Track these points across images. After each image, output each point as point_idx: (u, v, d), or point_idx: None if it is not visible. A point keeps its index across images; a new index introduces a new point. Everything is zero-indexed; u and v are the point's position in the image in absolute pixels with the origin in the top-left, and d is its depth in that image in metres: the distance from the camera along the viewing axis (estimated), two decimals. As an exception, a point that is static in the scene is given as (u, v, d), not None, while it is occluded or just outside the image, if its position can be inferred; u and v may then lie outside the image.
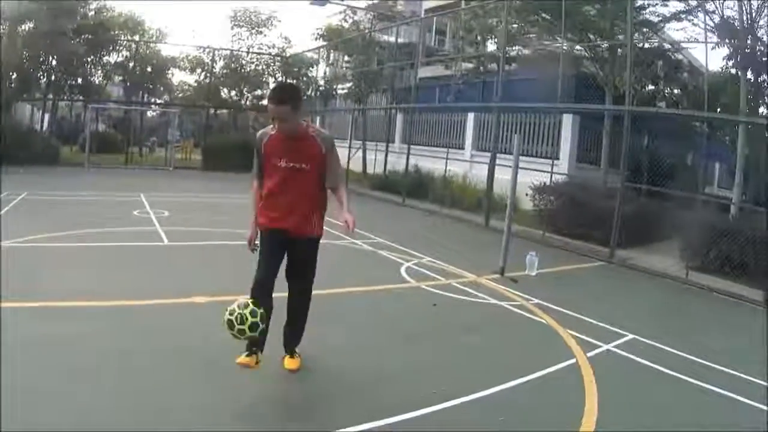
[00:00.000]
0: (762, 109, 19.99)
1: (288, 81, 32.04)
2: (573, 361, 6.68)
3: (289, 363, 5.61)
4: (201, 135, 38.46)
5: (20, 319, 6.39)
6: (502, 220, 17.12)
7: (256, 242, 5.40)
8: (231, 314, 4.82)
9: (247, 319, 4.80)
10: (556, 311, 8.81)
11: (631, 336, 7.82)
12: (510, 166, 17.14)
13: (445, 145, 25.79)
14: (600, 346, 7.29)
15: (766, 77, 19.09)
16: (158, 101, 39.21)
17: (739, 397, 6.03)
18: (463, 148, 25.29)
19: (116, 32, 34.27)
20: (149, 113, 37.60)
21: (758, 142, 18.31)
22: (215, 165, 29.41)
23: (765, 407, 5.76)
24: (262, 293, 5.19)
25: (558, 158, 20.14)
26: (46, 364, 5.31)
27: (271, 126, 5.31)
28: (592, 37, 20.32)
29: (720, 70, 19.50)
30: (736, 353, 7.56)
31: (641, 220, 15.71)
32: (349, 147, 27.68)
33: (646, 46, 19.27)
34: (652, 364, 6.83)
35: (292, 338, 5.67)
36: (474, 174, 22.60)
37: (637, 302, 10.88)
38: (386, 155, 26.57)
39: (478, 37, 23.62)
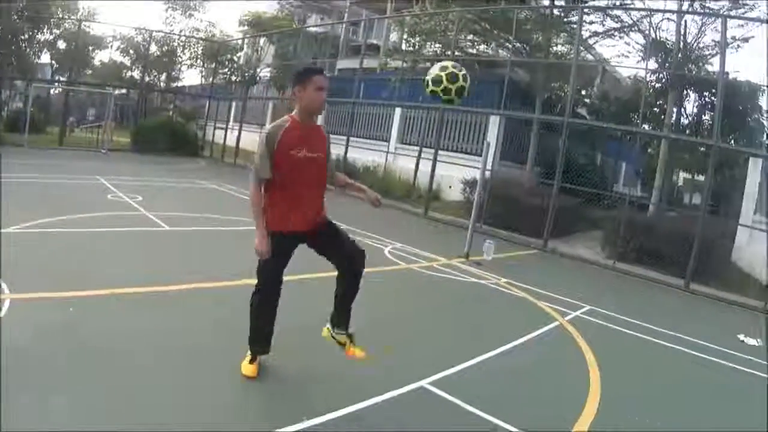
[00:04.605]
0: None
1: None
2: (557, 323, 9.32)
3: (358, 351, 5.60)
4: (126, 116, 38.71)
5: (85, 310, 6.51)
6: (435, 210, 19.83)
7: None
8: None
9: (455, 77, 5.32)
10: (524, 288, 11.44)
11: (588, 307, 10.65)
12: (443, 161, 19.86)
13: (370, 137, 28.16)
14: (570, 313, 10.02)
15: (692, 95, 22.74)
16: (92, 81, 38.52)
17: (665, 343, 9.21)
18: (387, 141, 27.25)
19: (53, 10, 34.08)
20: (71, 93, 37.50)
21: (678, 152, 21.70)
22: (145, 147, 30.09)
23: (687, 350, 9.05)
24: (272, 294, 5.47)
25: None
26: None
27: (283, 119, 5.29)
28: (525, 47, 23.28)
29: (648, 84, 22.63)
30: (662, 319, 10.72)
31: (563, 215, 18.64)
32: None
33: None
34: (612, 325, 9.80)
35: (348, 313, 5.64)
36: (399, 165, 25.13)
37: (581, 283, 13.94)
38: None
39: (423, 41, 26.05)
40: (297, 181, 5.18)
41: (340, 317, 5.60)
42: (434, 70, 5.48)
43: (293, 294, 5.91)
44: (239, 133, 32.51)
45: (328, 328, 5.65)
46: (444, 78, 5.34)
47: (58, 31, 34.88)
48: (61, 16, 34.89)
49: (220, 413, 4.78)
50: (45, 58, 36.25)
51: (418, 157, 23.69)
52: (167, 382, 5.16)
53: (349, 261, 5.45)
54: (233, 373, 5.46)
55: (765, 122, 23.00)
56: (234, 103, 36.53)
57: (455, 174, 21.69)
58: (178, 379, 5.24)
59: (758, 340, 10.19)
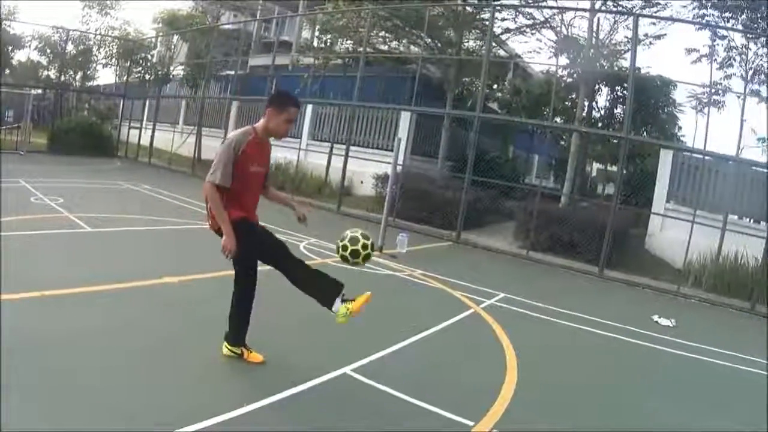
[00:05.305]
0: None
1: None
2: (472, 311, 9.44)
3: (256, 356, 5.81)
4: (42, 117, 37.60)
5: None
6: (348, 205, 19.91)
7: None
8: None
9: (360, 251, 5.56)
10: (439, 279, 11.54)
11: (503, 294, 10.84)
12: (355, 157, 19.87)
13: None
14: (485, 301, 10.17)
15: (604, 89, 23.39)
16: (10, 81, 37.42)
17: (581, 326, 9.56)
18: (298, 137, 26.63)
19: None
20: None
21: (590, 144, 22.25)
22: (62, 149, 29.21)
23: (602, 332, 9.30)
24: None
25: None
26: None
27: (247, 130, 5.50)
28: (438, 44, 23.50)
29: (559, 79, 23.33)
30: (577, 304, 11.02)
31: (475, 207, 19.05)
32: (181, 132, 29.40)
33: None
34: (526, 311, 10.05)
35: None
36: (310, 162, 24.96)
37: (495, 272, 14.29)
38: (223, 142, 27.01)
39: (335, 38, 26.12)
40: (248, 190, 5.48)
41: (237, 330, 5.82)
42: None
43: (212, 288, 5.84)
44: (153, 133, 31.95)
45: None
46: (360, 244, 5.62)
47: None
48: None
49: (157, 409, 4.67)
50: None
51: (330, 154, 23.76)
52: (103, 381, 5.02)
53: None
54: (164, 367, 5.47)
55: (677, 114, 23.95)
56: (148, 102, 35.87)
57: (367, 169, 21.74)
58: (114, 378, 5.12)
59: (672, 320, 10.49)
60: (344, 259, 5.65)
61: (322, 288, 5.60)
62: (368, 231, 6.01)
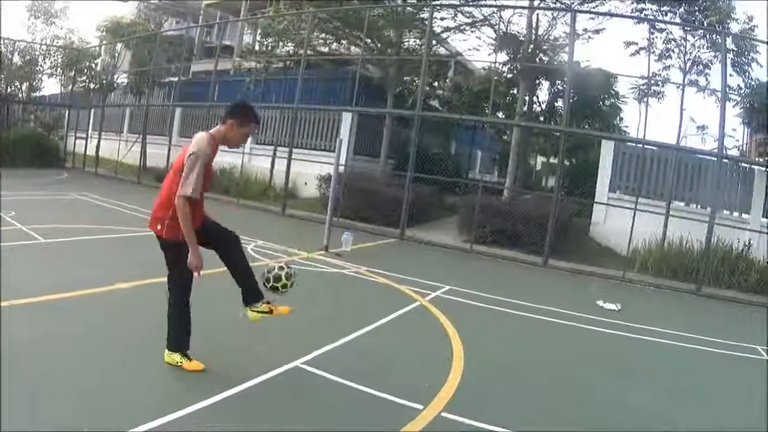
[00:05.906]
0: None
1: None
2: (417, 303, 9.52)
3: (284, 308, 5.95)
4: None
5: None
6: (293, 207, 19.86)
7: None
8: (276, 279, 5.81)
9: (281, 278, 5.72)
10: (384, 274, 11.63)
11: (448, 287, 10.96)
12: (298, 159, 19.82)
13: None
14: (430, 294, 10.27)
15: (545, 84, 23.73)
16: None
17: (525, 313, 9.78)
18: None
19: None
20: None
21: (532, 138, 22.47)
22: (11, 161, 28.20)
23: (547, 318, 9.46)
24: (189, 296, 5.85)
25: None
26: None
27: (209, 140, 5.45)
28: (377, 44, 23.60)
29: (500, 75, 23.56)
30: (522, 293, 11.22)
31: (419, 203, 19.26)
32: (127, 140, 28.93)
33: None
34: (472, 302, 10.16)
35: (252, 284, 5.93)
36: (255, 165, 25.01)
37: (440, 266, 14.34)
38: (169, 149, 26.55)
39: (276, 41, 25.97)
40: (203, 190, 5.52)
41: (250, 293, 5.88)
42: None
43: (161, 292, 5.87)
44: (98, 142, 31.32)
45: (249, 309, 5.87)
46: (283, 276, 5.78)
47: None
48: None
49: (110, 410, 4.66)
50: None
51: (273, 156, 23.82)
52: (57, 386, 4.99)
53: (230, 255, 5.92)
54: (118, 368, 5.51)
55: (620, 105, 24.40)
56: (93, 112, 35.47)
57: (310, 171, 21.71)
58: (68, 382, 5.10)
59: (617, 304, 10.71)
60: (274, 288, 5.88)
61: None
62: (314, 231, 5.92)
